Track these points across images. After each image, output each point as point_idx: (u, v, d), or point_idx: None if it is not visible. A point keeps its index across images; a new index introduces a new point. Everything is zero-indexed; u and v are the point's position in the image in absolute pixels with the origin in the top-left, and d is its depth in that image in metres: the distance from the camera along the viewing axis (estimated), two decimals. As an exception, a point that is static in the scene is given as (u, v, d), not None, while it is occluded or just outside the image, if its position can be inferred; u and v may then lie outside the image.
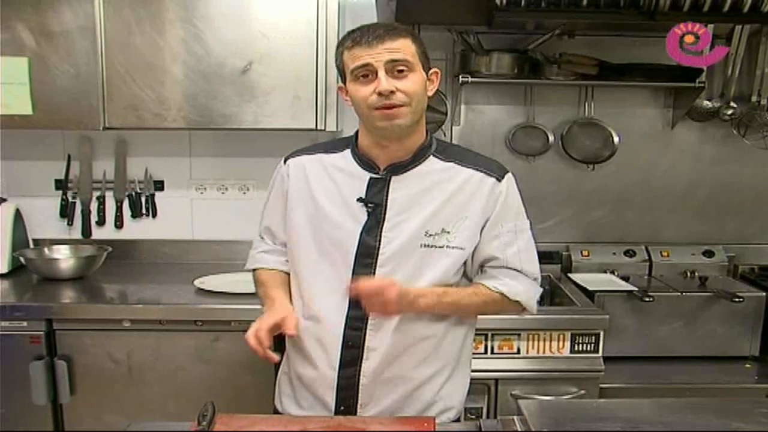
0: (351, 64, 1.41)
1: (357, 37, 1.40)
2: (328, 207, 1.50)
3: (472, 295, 1.50)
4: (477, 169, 1.50)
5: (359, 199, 1.48)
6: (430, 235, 1.47)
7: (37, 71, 2.36)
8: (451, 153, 1.53)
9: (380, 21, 1.42)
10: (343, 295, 1.47)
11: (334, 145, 1.58)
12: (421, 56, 1.44)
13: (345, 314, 1.48)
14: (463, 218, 1.48)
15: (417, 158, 1.50)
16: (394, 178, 1.49)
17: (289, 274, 1.61)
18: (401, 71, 1.39)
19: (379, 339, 1.48)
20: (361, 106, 1.43)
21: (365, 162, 1.51)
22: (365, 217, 1.48)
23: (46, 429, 2.26)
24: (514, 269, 1.52)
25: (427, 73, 1.46)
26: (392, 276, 1.45)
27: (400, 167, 1.49)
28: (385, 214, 1.47)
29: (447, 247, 1.47)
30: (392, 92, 1.38)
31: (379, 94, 1.38)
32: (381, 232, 1.47)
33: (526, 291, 1.52)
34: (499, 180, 1.50)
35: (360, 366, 1.49)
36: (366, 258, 1.47)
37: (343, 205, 1.49)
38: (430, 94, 1.48)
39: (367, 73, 1.40)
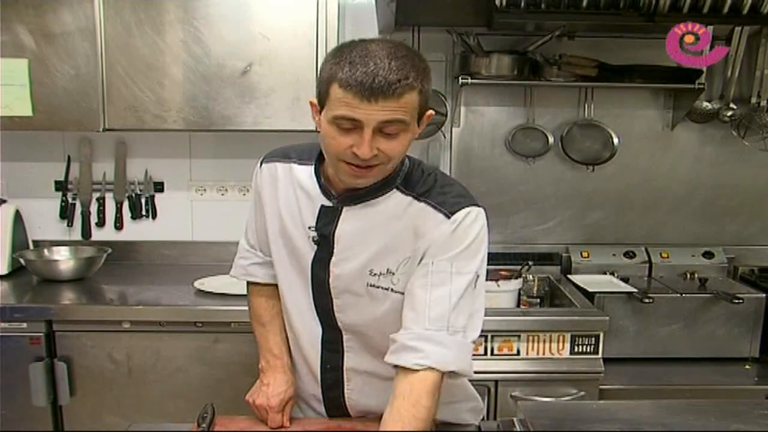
0: (336, 108, 1.16)
1: (359, 80, 1.13)
2: (290, 227, 1.39)
3: (417, 413, 1.21)
4: (431, 205, 1.29)
5: (310, 227, 1.35)
6: (375, 274, 1.32)
7: (37, 73, 2.36)
8: (414, 185, 1.32)
9: (393, 47, 1.18)
10: (314, 317, 1.41)
11: (308, 154, 1.41)
12: (422, 106, 1.22)
13: (320, 336, 1.42)
14: (407, 259, 1.30)
15: (375, 191, 1.31)
16: (345, 209, 1.32)
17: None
18: (390, 131, 1.18)
19: (358, 361, 1.42)
20: (331, 153, 1.23)
21: (322, 186, 1.36)
22: (316, 247, 1.36)
23: (45, 430, 2.26)
24: (437, 325, 1.25)
25: (420, 119, 1.24)
26: (350, 308, 1.36)
27: (354, 198, 1.32)
28: (333, 247, 1.33)
29: (391, 290, 1.32)
30: (373, 157, 1.19)
31: (355, 154, 1.19)
32: (329, 266, 1.35)
33: (457, 355, 1.25)
34: (447, 216, 1.27)
35: (343, 389, 1.45)
36: (321, 288, 1.37)
37: (301, 228, 1.37)
38: (415, 136, 1.26)
39: (350, 126, 1.17)
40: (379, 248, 1.31)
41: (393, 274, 1.31)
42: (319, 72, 1.25)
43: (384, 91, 1.13)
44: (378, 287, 1.33)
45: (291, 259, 1.41)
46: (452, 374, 1.27)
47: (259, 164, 1.50)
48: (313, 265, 1.37)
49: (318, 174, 1.37)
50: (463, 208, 1.29)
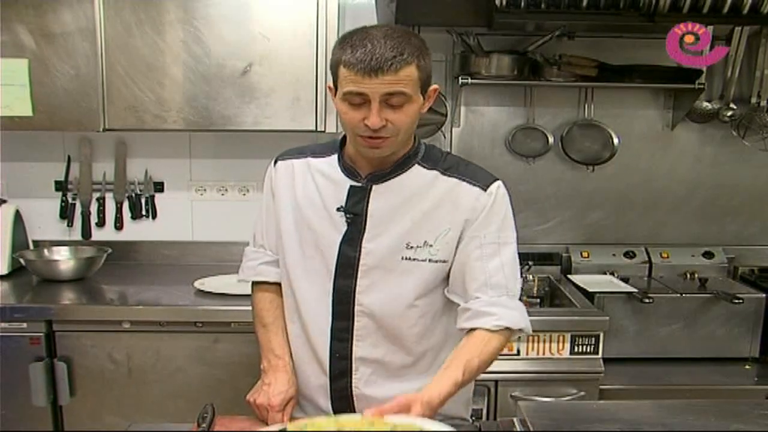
0: (344, 85, 1.30)
1: (360, 58, 1.26)
2: (310, 214, 1.45)
3: (483, 353, 1.35)
4: (461, 179, 1.43)
5: (339, 209, 1.43)
6: (411, 247, 1.40)
7: (37, 73, 2.36)
8: (436, 161, 1.45)
9: (389, 29, 1.31)
10: (327, 305, 1.44)
11: (323, 148, 1.52)
12: (424, 81, 1.34)
13: (330, 324, 1.45)
14: (446, 230, 1.41)
15: (400, 167, 1.42)
16: (375, 187, 1.42)
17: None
18: (395, 103, 1.30)
19: (367, 350, 1.45)
20: (347, 127, 1.36)
21: (348, 169, 1.45)
22: (345, 227, 1.42)
23: (45, 430, 2.26)
24: (499, 292, 1.40)
25: (425, 92, 1.36)
26: (374, 288, 1.42)
27: (382, 176, 1.42)
28: (365, 224, 1.41)
29: (429, 260, 1.41)
30: (382, 126, 1.30)
31: (367, 126, 1.31)
32: (361, 243, 1.41)
33: (522, 315, 1.42)
34: (484, 189, 1.42)
35: (350, 378, 1.46)
36: (347, 269, 1.42)
37: (324, 213, 1.44)
38: (423, 111, 1.39)
39: (359, 101, 1.30)
40: (414, 222, 1.40)
41: (431, 245, 1.41)
42: (329, 60, 1.37)
43: (382, 67, 1.25)
44: (414, 260, 1.41)
45: (308, 248, 1.45)
46: (519, 332, 1.41)
47: (272, 164, 1.56)
48: (341, 245, 1.42)
49: (342, 160, 1.46)
50: (494, 181, 1.45)
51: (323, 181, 1.46)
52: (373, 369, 1.46)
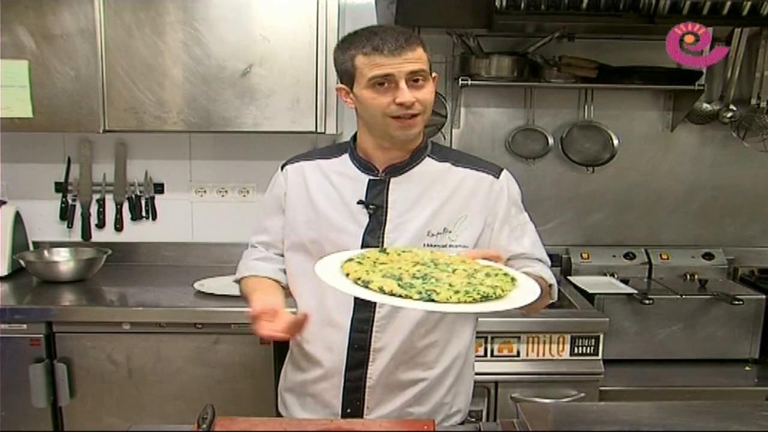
0: (369, 72, 1.38)
1: (378, 44, 1.37)
2: (329, 211, 1.49)
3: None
4: (472, 168, 1.52)
5: (360, 202, 1.48)
6: (433, 234, 1.46)
7: (37, 74, 2.37)
8: (445, 154, 1.54)
9: (389, 25, 1.46)
10: (348, 298, 1.45)
11: (331, 151, 1.58)
12: (430, 64, 1.45)
13: (350, 316, 1.47)
14: (463, 217, 1.48)
15: (414, 159, 1.50)
16: (393, 180, 1.49)
17: (279, 283, 1.56)
18: (417, 81, 1.40)
19: (384, 340, 1.47)
20: (376, 114, 1.42)
21: (364, 164, 1.51)
22: (366, 219, 1.47)
23: (45, 431, 2.26)
24: (536, 258, 1.53)
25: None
26: None
27: (398, 168, 1.49)
28: (386, 215, 1.47)
29: (450, 246, 1.45)
30: (413, 103, 1.39)
31: (400, 104, 1.38)
32: (383, 233, 1.46)
33: (552, 277, 1.52)
34: (496, 176, 1.51)
35: (366, 368, 1.48)
36: None
37: (344, 208, 1.49)
38: (434, 91, 1.48)
39: (384, 82, 1.39)
40: (433, 211, 1.47)
41: (450, 231, 1.48)
42: (336, 64, 1.47)
43: (402, 45, 1.37)
44: (435, 246, 1.46)
45: (327, 245, 1.46)
46: (547, 299, 1.50)
47: (280, 169, 1.59)
48: (364, 236, 1.46)
49: (354, 158, 1.52)
50: (501, 169, 1.55)
51: (339, 178, 1.52)
52: (389, 359, 1.48)
